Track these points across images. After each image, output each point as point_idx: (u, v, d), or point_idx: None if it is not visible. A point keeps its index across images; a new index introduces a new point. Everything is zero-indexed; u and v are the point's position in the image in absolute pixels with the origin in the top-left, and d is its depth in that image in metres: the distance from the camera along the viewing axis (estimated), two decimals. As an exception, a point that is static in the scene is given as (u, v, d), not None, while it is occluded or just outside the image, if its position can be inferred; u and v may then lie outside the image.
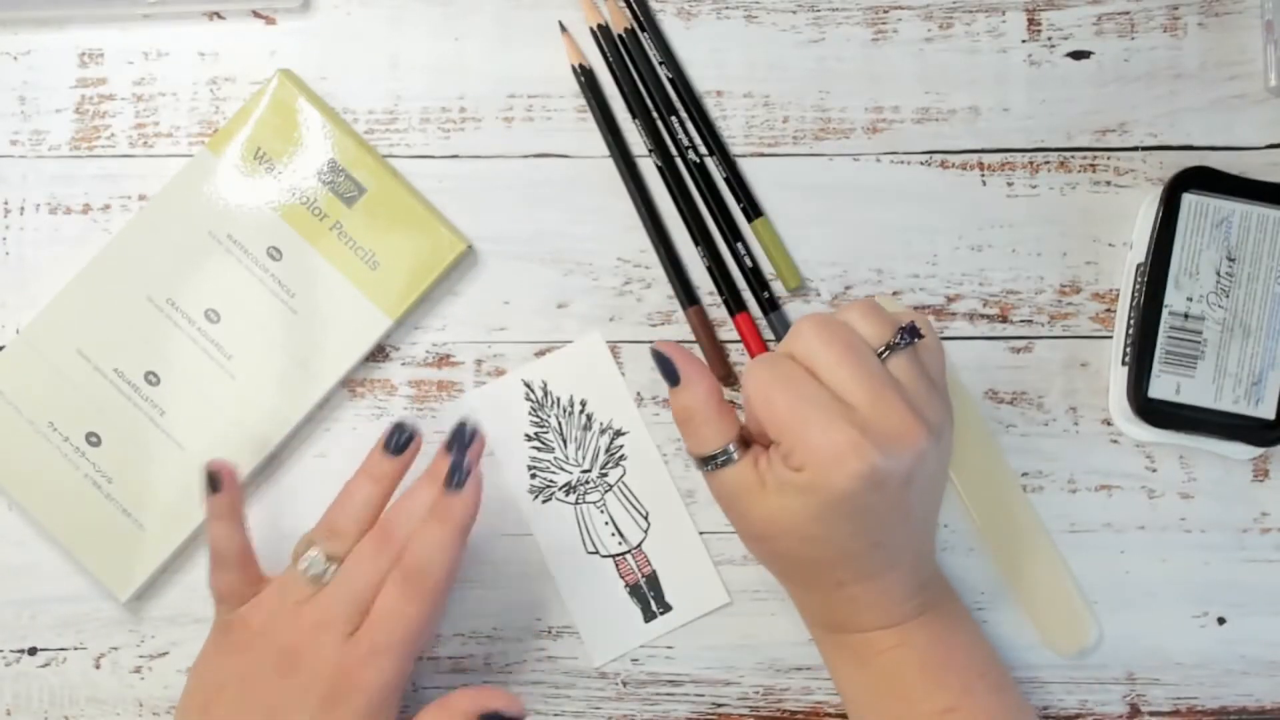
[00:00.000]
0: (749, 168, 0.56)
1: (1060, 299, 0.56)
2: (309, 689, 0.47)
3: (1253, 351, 0.52)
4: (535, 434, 0.55)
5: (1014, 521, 0.54)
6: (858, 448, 0.43)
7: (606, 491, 0.55)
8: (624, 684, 0.54)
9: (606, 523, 0.55)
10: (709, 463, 0.47)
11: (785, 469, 0.44)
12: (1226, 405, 0.52)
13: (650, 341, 0.55)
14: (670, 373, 0.47)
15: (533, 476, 0.55)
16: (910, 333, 0.45)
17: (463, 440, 0.49)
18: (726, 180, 0.56)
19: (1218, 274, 0.53)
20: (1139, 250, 0.54)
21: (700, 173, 0.56)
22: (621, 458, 0.55)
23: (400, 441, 0.50)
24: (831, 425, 0.43)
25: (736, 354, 0.56)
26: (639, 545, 0.55)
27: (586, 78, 0.56)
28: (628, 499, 0.55)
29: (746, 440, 0.47)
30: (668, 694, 0.54)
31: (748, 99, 0.57)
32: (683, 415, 0.47)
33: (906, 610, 0.48)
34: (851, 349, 0.44)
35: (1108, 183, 0.56)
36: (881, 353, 0.45)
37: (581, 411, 0.55)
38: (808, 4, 0.57)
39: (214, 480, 0.51)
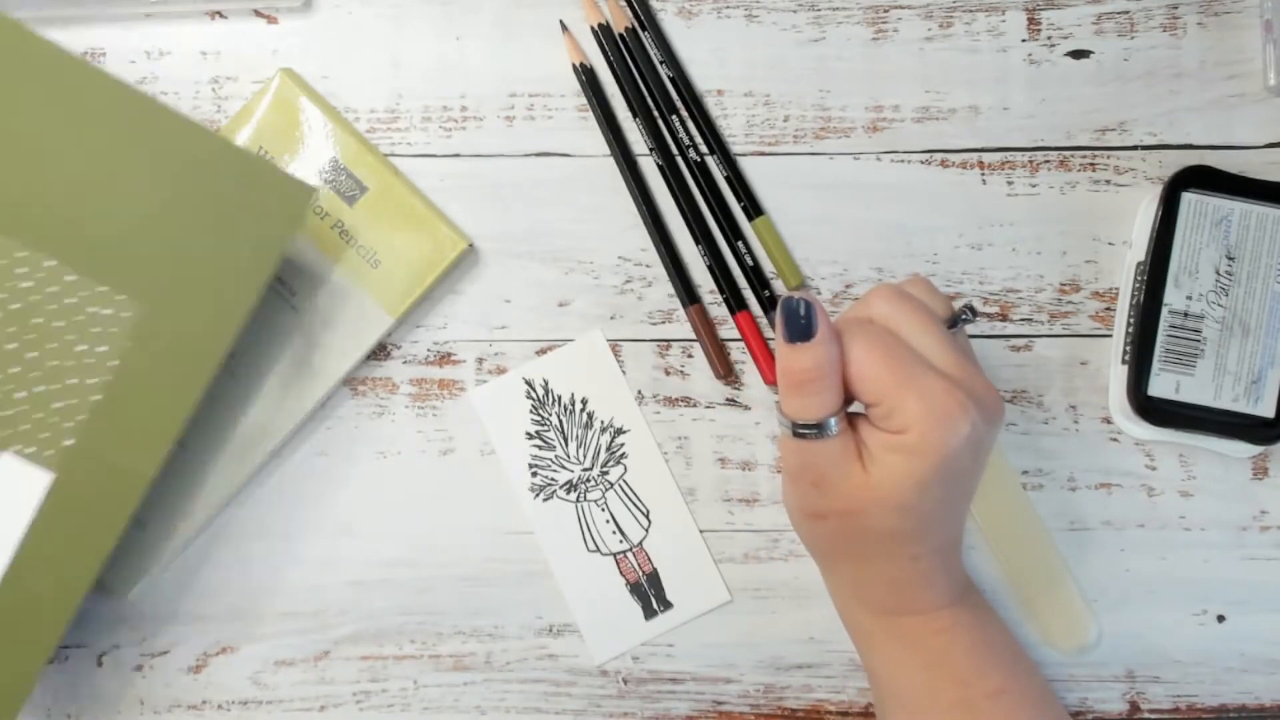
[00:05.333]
0: (750, 167, 0.56)
1: (1060, 298, 0.56)
2: None
3: (1252, 350, 0.52)
4: (536, 432, 0.55)
5: (1014, 520, 0.54)
6: (964, 407, 0.42)
7: (607, 490, 0.55)
8: (625, 682, 0.54)
9: (607, 521, 0.55)
10: (809, 431, 0.43)
11: (886, 434, 0.43)
12: (1226, 403, 0.52)
13: (650, 340, 0.56)
14: (803, 328, 0.42)
15: (534, 475, 0.55)
16: (970, 310, 0.46)
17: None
18: (727, 179, 0.56)
19: (1217, 273, 0.53)
20: (1139, 249, 0.54)
21: (701, 171, 0.56)
22: (622, 456, 0.55)
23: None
24: (939, 385, 0.42)
25: (737, 353, 0.56)
26: (640, 543, 0.55)
27: (587, 77, 0.56)
28: (629, 497, 0.55)
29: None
30: (669, 692, 0.54)
31: (748, 98, 0.57)
32: (800, 376, 0.43)
33: (958, 588, 0.48)
34: (932, 318, 0.44)
35: (1107, 181, 0.56)
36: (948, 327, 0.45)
37: (583, 410, 0.55)
38: (808, 3, 0.57)
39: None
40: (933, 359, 0.43)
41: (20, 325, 0.48)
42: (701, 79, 0.57)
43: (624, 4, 0.57)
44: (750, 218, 0.56)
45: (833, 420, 0.43)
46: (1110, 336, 0.56)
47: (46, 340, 0.48)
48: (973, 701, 0.47)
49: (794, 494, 0.46)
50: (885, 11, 0.57)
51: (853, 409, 0.44)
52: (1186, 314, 0.53)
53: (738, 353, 0.56)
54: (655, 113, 0.56)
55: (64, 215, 0.48)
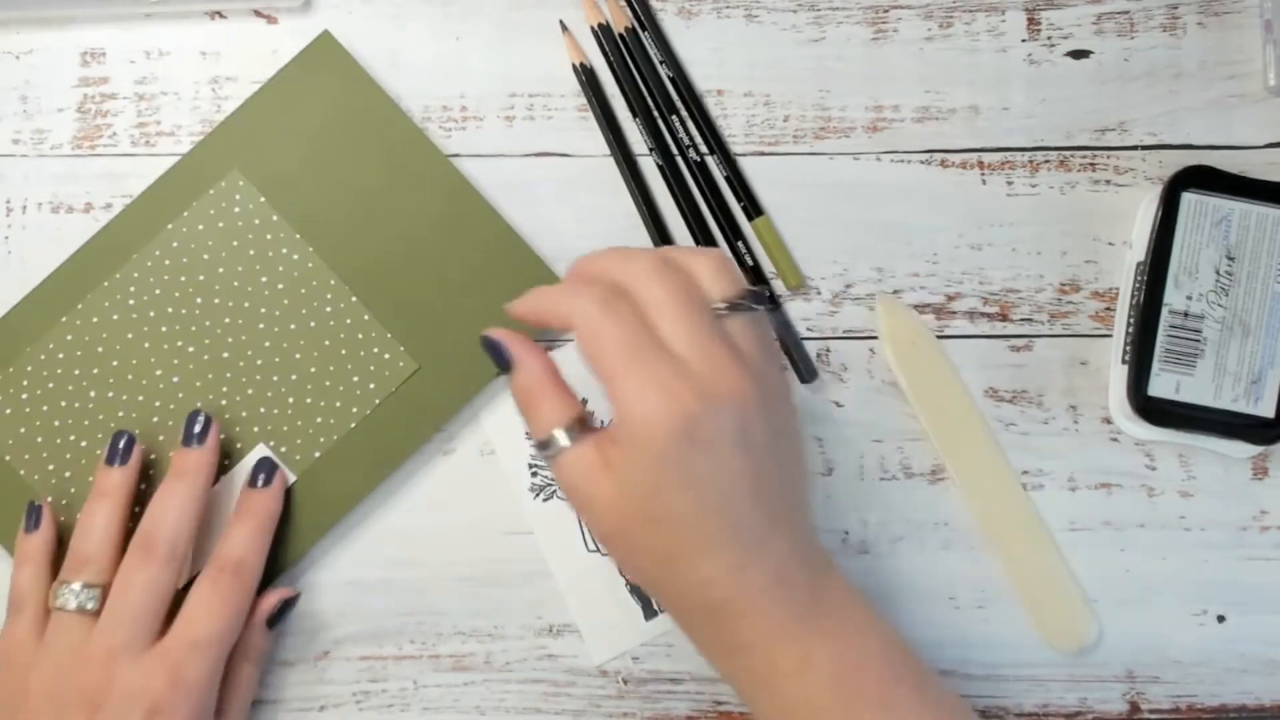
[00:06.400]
0: (749, 166, 0.56)
1: (1060, 297, 0.56)
2: (126, 715, 0.46)
3: (1252, 350, 0.52)
4: (536, 432, 0.55)
5: (1014, 520, 0.54)
6: (670, 391, 0.40)
7: (607, 490, 0.55)
8: (624, 682, 0.54)
9: (607, 521, 0.55)
10: (548, 447, 0.42)
11: (615, 428, 0.41)
12: (1226, 403, 0.52)
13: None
14: (501, 358, 0.44)
15: (534, 475, 0.55)
16: (758, 298, 0.43)
17: (196, 427, 0.51)
18: (727, 179, 0.56)
19: (1217, 273, 0.53)
20: (1138, 249, 0.54)
21: (701, 171, 0.56)
22: (622, 456, 0.55)
23: (123, 452, 0.51)
24: (663, 369, 0.40)
25: (737, 352, 0.56)
26: (640, 543, 0.55)
27: (587, 76, 0.56)
28: (628, 497, 0.55)
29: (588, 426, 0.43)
30: (668, 691, 0.54)
31: (748, 98, 0.57)
32: (522, 398, 0.43)
33: (797, 612, 0.42)
34: (691, 300, 0.42)
35: (1107, 181, 0.56)
36: (722, 310, 0.42)
37: (582, 410, 0.55)
38: (808, 3, 0.57)
39: (33, 519, 0.51)
40: (673, 342, 0.41)
41: (311, 341, 0.54)
42: (701, 79, 0.57)
43: (624, 4, 0.57)
44: (750, 218, 0.56)
45: (559, 432, 0.42)
46: (1110, 336, 0.56)
47: (329, 362, 0.54)
48: None
49: (591, 527, 0.44)
50: (885, 11, 0.57)
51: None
52: (1186, 314, 0.53)
53: (738, 353, 0.56)
54: (655, 113, 0.56)
55: (379, 267, 0.54)
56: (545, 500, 0.55)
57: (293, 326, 0.53)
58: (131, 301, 0.53)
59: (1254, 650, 0.54)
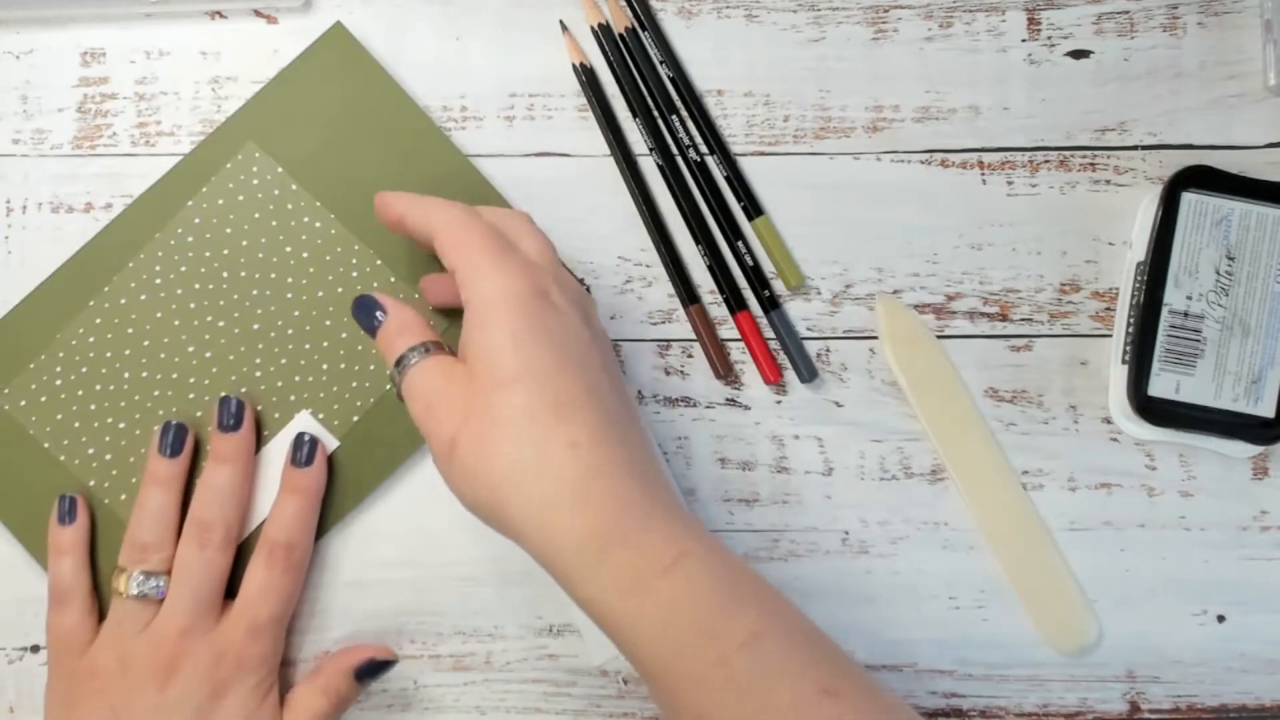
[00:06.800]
0: (749, 166, 0.56)
1: (1060, 297, 0.56)
2: (193, 690, 0.49)
3: (1252, 350, 0.52)
4: (536, 432, 0.55)
5: (1014, 520, 0.54)
6: (526, 266, 0.44)
7: (607, 489, 0.55)
8: (625, 682, 0.54)
9: (607, 521, 0.55)
10: (401, 365, 0.45)
11: (469, 311, 0.43)
12: (1226, 403, 0.52)
13: (650, 340, 0.56)
14: (372, 314, 0.47)
15: (534, 474, 0.55)
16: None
17: (230, 413, 0.52)
18: (727, 179, 0.56)
19: (1217, 273, 0.53)
20: (1139, 249, 0.54)
21: (701, 171, 0.56)
22: (622, 456, 0.55)
23: (174, 443, 0.52)
24: (507, 256, 0.44)
25: (737, 353, 0.56)
26: (640, 543, 0.55)
27: (587, 76, 0.56)
28: (628, 497, 0.55)
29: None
30: (668, 692, 0.54)
31: (748, 98, 0.57)
32: (386, 340, 0.46)
33: (667, 508, 0.41)
34: (546, 240, 0.47)
35: (1107, 181, 0.56)
36: None
37: (582, 410, 0.55)
38: (808, 3, 0.57)
39: (68, 510, 0.52)
40: (531, 255, 0.46)
41: (340, 307, 0.54)
42: (701, 79, 0.57)
43: (624, 4, 0.57)
44: (750, 218, 0.56)
45: (411, 350, 0.45)
46: (1110, 336, 0.56)
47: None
48: (727, 657, 0.39)
49: (430, 445, 0.43)
50: (885, 11, 0.57)
51: None
52: (1186, 314, 0.53)
53: (738, 353, 0.56)
54: (655, 113, 0.56)
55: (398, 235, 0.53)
56: (545, 500, 0.55)
57: (320, 294, 0.54)
58: (158, 281, 0.54)
59: (1254, 650, 0.54)
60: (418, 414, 0.44)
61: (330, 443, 0.54)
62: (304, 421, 0.53)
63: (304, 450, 0.52)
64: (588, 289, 0.55)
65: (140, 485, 0.52)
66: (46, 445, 0.53)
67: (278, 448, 0.53)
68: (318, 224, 0.54)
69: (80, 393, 0.53)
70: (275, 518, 0.52)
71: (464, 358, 0.44)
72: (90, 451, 0.53)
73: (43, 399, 0.53)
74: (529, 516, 0.41)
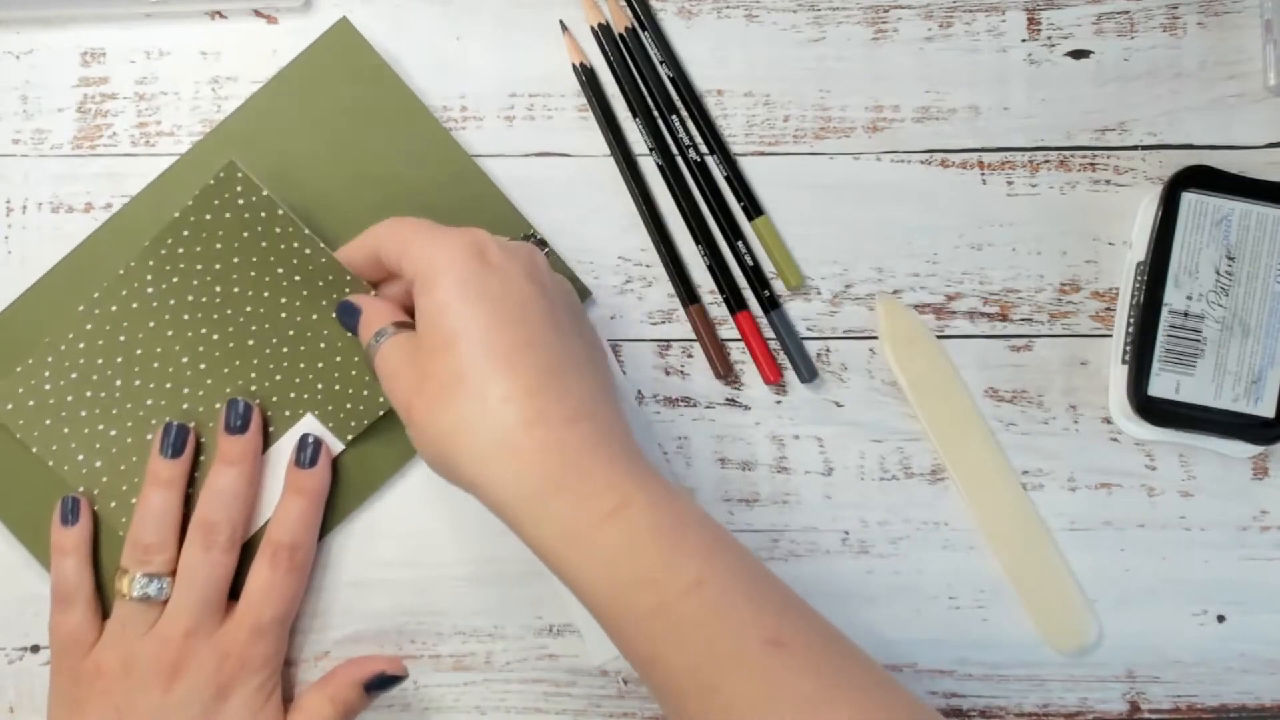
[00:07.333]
0: (749, 166, 0.56)
1: (1060, 297, 0.56)
2: (198, 691, 0.49)
3: (1252, 350, 0.52)
4: (536, 432, 0.55)
5: (1014, 520, 0.54)
6: (462, 231, 0.45)
7: (607, 489, 0.55)
8: (625, 682, 0.54)
9: (607, 521, 0.55)
10: (370, 347, 0.47)
11: (417, 291, 0.45)
12: (1226, 403, 0.52)
13: (650, 340, 0.56)
14: (351, 313, 0.49)
15: (534, 474, 0.55)
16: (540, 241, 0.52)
17: (237, 415, 0.52)
18: (727, 179, 0.56)
19: (1217, 273, 0.53)
20: (1139, 249, 0.54)
21: (701, 171, 0.56)
22: (622, 456, 0.55)
23: (176, 443, 0.52)
24: (445, 231, 0.46)
25: (737, 353, 0.56)
26: (640, 543, 0.55)
27: (587, 76, 0.56)
28: (628, 497, 0.55)
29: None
30: (668, 692, 0.54)
31: (748, 98, 0.57)
32: (364, 327, 0.48)
33: (610, 455, 0.42)
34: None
35: (1107, 181, 0.56)
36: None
37: (582, 410, 0.55)
38: (808, 3, 0.57)
39: (70, 510, 0.52)
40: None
41: (336, 330, 0.53)
42: (701, 79, 0.57)
43: (624, 4, 0.57)
44: (750, 218, 0.56)
45: (382, 328, 0.47)
46: (1110, 336, 0.56)
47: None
48: (668, 604, 0.40)
49: (398, 412, 0.46)
50: (885, 11, 0.57)
51: None
52: (1186, 314, 0.53)
53: (738, 353, 0.56)
54: (655, 113, 0.56)
55: None
56: (545, 500, 0.55)
57: (315, 317, 0.53)
58: (150, 290, 0.53)
59: (1254, 650, 0.54)
60: (386, 389, 0.46)
61: (335, 445, 0.53)
62: (309, 424, 0.53)
63: (308, 451, 0.52)
64: (587, 292, 0.55)
65: (142, 487, 0.52)
66: (35, 449, 0.53)
67: (281, 451, 0.53)
68: (307, 251, 0.52)
69: (70, 398, 0.53)
70: (279, 519, 0.52)
71: (417, 301, 0.45)
72: (80, 458, 0.53)
73: (30, 403, 0.53)
74: (475, 470, 0.43)
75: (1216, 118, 0.56)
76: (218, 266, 0.53)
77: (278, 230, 0.52)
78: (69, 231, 0.55)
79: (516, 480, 0.42)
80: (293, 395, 0.53)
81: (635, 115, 0.56)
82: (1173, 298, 0.53)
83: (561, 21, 0.57)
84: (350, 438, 0.53)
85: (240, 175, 0.51)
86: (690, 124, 0.56)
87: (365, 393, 0.53)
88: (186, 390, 0.53)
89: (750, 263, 0.55)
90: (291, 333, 0.53)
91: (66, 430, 0.53)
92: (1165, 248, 0.53)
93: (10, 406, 0.53)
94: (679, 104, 0.56)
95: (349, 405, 0.53)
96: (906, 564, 0.55)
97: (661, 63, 0.56)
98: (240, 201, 0.52)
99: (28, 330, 0.54)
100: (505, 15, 0.57)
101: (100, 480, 0.53)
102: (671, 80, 0.56)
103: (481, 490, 0.43)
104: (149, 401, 0.53)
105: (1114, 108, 0.56)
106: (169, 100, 0.56)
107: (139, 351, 0.53)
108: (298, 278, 0.52)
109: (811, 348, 0.56)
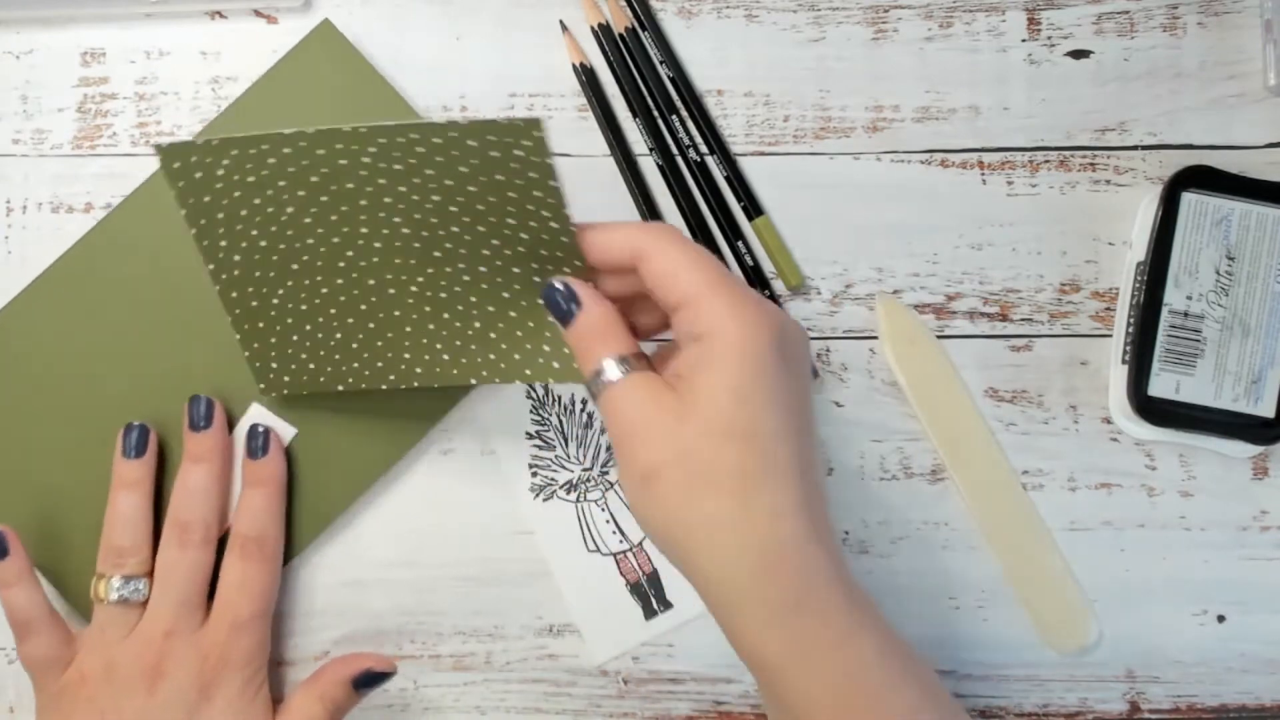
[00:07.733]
0: (749, 166, 0.56)
1: (1060, 297, 0.56)
2: (182, 691, 0.49)
3: (1252, 350, 0.52)
4: (537, 432, 0.55)
5: (1014, 520, 0.55)
6: (763, 305, 0.42)
7: (608, 490, 0.55)
8: (625, 682, 0.54)
9: (608, 520, 0.55)
10: (598, 378, 0.42)
11: (693, 348, 0.41)
12: (1226, 403, 0.52)
13: (652, 340, 0.55)
14: (565, 304, 0.44)
15: (534, 475, 0.55)
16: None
17: (200, 412, 0.52)
18: (727, 179, 0.56)
19: (1217, 273, 0.53)
20: (1139, 249, 0.54)
21: (701, 171, 0.56)
22: (622, 456, 0.55)
23: (138, 443, 0.52)
24: (745, 291, 0.42)
25: (737, 352, 0.56)
26: (640, 543, 0.55)
27: (587, 76, 0.56)
28: (628, 497, 0.55)
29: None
30: (669, 692, 0.54)
31: (748, 98, 0.57)
32: (579, 339, 0.44)
33: (846, 577, 0.42)
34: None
35: (1107, 181, 0.56)
36: None
37: (583, 410, 0.55)
38: (808, 3, 0.57)
39: (1, 549, 0.51)
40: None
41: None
42: (701, 79, 0.57)
43: (624, 4, 0.57)
44: (750, 218, 0.56)
45: (608, 362, 0.42)
46: (1110, 336, 0.56)
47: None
48: None
49: (623, 465, 0.42)
50: (885, 11, 0.57)
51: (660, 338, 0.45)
52: (1186, 314, 0.53)
53: (738, 353, 0.56)
54: (655, 113, 0.56)
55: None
56: (545, 500, 0.55)
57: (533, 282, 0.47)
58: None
59: (1254, 650, 0.54)
60: (617, 435, 0.42)
61: (286, 431, 0.53)
62: (257, 413, 0.53)
63: (258, 441, 0.52)
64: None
65: (110, 491, 0.51)
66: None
67: (235, 441, 0.53)
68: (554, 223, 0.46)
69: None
70: (242, 513, 0.52)
71: (679, 387, 0.42)
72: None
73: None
74: (715, 570, 0.41)
75: (1216, 118, 0.56)
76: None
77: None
78: (69, 231, 0.55)
79: (758, 590, 0.41)
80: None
81: (635, 115, 0.56)
82: (1173, 298, 0.53)
83: (561, 21, 0.57)
84: (298, 418, 0.53)
85: (539, 134, 0.44)
86: (690, 124, 0.56)
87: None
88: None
89: (750, 263, 0.55)
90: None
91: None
92: (1165, 248, 0.53)
93: None
94: (679, 104, 0.56)
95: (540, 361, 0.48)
96: (906, 564, 0.55)
97: (661, 63, 0.56)
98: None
99: (27, 330, 0.54)
100: (505, 15, 0.57)
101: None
102: (671, 80, 0.56)
103: (713, 590, 0.41)
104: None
105: (1114, 108, 0.57)
106: (169, 100, 0.56)
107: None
108: (525, 237, 0.46)
109: (811, 348, 0.56)
